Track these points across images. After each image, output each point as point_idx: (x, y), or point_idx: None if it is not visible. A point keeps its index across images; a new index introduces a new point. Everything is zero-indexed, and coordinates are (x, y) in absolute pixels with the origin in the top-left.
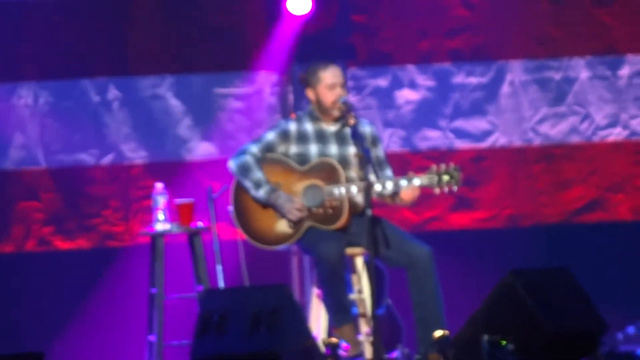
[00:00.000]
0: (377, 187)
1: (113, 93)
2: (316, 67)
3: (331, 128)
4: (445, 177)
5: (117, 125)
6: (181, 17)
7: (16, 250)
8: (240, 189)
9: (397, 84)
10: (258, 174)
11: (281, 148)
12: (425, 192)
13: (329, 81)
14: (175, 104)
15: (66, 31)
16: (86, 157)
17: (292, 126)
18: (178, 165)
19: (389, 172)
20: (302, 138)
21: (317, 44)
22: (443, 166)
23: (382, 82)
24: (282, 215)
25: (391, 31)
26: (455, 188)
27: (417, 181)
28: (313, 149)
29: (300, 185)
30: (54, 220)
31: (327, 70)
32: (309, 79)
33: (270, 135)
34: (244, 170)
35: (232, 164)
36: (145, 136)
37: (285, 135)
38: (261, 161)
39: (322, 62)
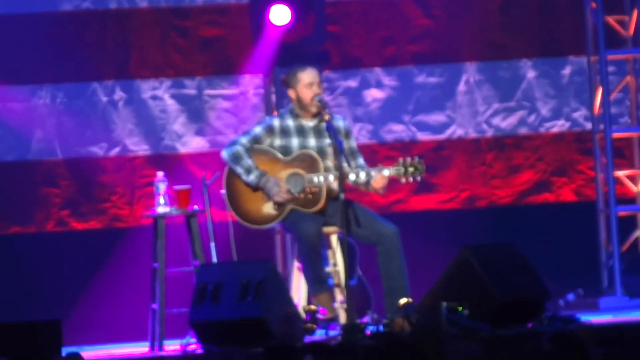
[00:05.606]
0: (352, 177)
1: (119, 94)
2: (295, 70)
3: (310, 123)
4: (410, 169)
5: (122, 122)
6: (177, 29)
7: (38, 230)
8: (232, 176)
9: (366, 84)
10: (248, 162)
11: (267, 141)
12: (392, 179)
13: (307, 80)
14: (171, 103)
15: (79, 41)
16: (96, 150)
17: (276, 122)
18: (174, 156)
19: (361, 160)
20: (284, 132)
21: (295, 50)
22: (409, 159)
23: (352, 83)
24: (270, 197)
25: (360, 39)
26: (419, 178)
27: (386, 172)
28: (294, 141)
29: (284, 173)
30: (70, 204)
31: (304, 72)
32: (289, 81)
33: (258, 129)
34: (236, 158)
35: (225, 154)
36: (147, 131)
37: (270, 130)
38: (250, 151)
39: (300, 65)
